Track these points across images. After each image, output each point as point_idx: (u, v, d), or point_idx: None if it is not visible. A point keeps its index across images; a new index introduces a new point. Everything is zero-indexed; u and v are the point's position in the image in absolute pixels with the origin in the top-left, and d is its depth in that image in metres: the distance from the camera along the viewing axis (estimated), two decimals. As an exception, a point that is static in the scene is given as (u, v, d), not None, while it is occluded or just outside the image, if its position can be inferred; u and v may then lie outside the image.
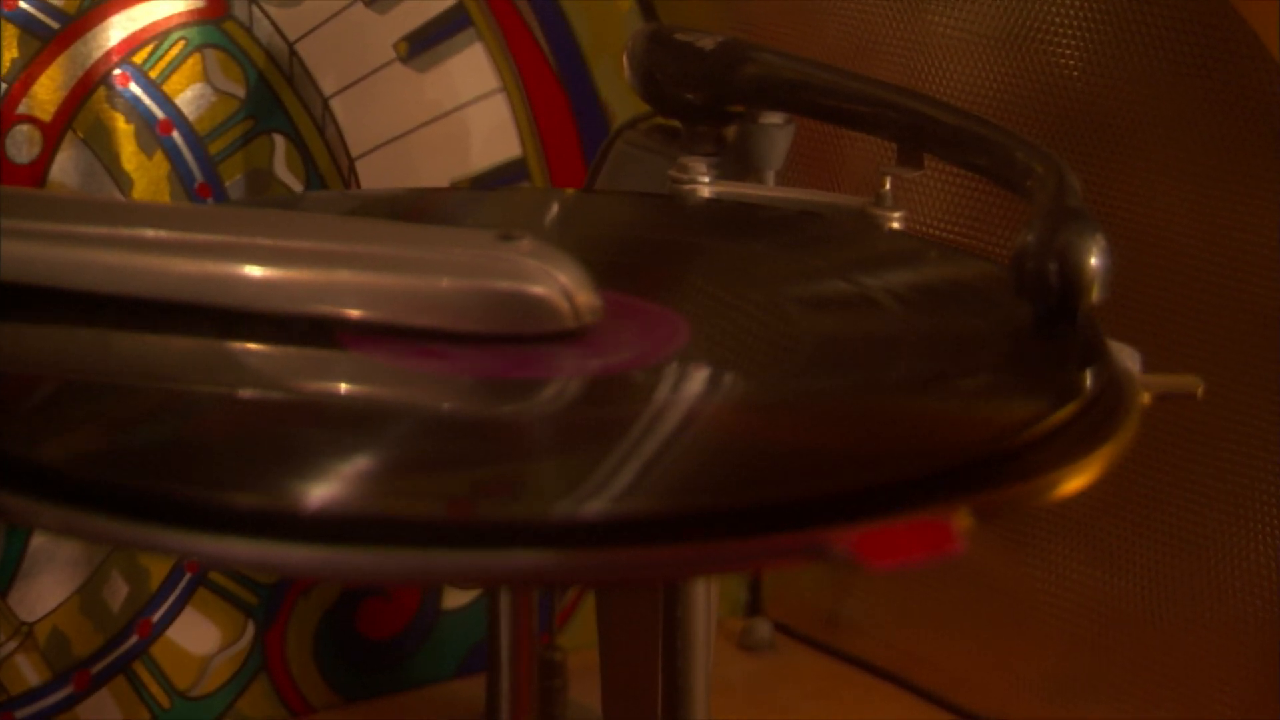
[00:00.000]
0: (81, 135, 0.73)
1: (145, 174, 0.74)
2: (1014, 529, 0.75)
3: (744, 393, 0.48)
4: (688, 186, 0.63)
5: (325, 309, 0.49)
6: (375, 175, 0.79)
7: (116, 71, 0.73)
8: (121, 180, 0.74)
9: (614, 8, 0.83)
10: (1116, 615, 0.72)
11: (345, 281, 0.49)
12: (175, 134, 0.75)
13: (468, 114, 0.81)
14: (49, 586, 0.73)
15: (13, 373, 0.47)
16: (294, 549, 0.39)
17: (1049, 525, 0.74)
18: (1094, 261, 0.50)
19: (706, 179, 0.63)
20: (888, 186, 0.61)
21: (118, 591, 0.75)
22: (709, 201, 0.62)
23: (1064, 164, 0.55)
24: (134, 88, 0.74)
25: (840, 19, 0.77)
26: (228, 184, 0.76)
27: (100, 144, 0.73)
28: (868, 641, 0.83)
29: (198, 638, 0.77)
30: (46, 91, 0.72)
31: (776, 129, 0.67)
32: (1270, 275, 0.65)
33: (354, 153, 0.79)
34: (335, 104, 0.78)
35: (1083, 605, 0.73)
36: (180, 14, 0.74)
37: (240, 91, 0.76)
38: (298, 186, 0.77)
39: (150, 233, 0.50)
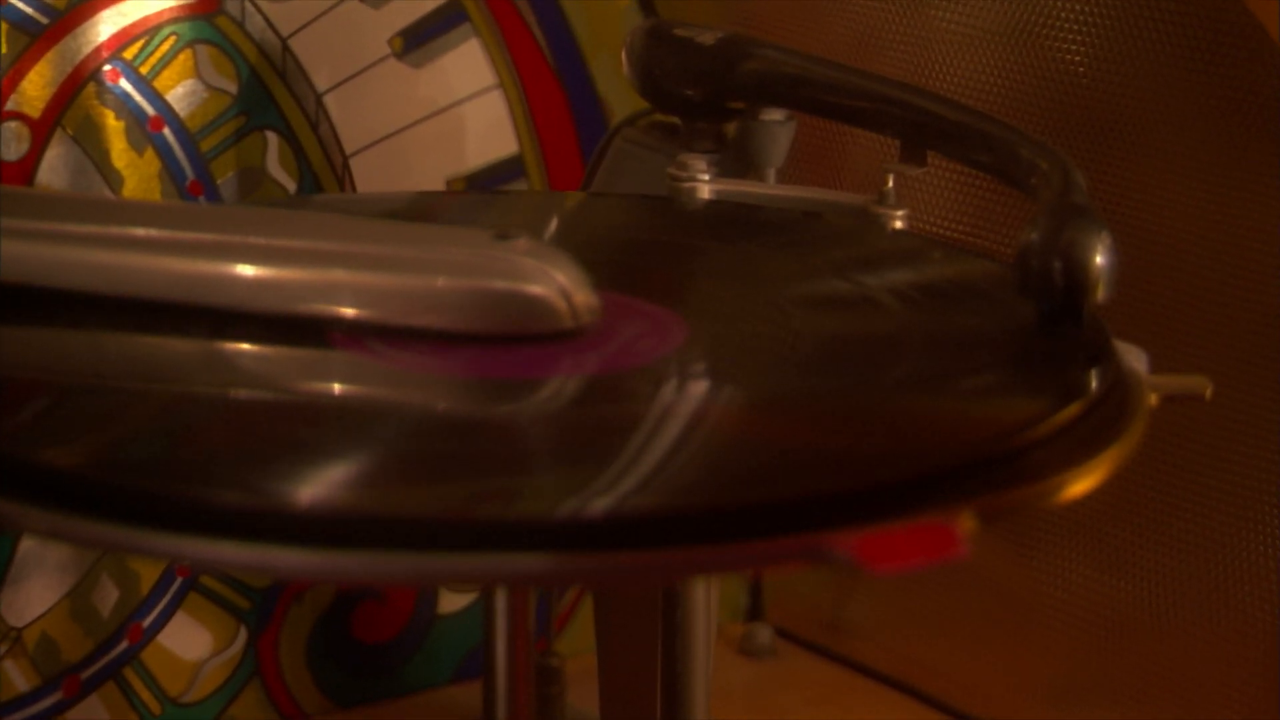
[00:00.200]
0: (71, 132, 0.72)
1: (136, 171, 0.74)
2: (1019, 532, 0.75)
3: (744, 393, 0.48)
4: (687, 184, 0.63)
5: (320, 308, 0.49)
6: (369, 173, 0.79)
7: (106, 67, 0.73)
8: (111, 178, 0.73)
9: (612, 3, 0.83)
10: (1122, 619, 0.72)
11: (340, 281, 0.49)
12: (166, 131, 0.74)
13: (464, 111, 0.81)
14: (38, 591, 0.73)
15: (-2, 373, 0.47)
16: (286, 551, 0.39)
17: (1054, 528, 0.74)
18: (1099, 260, 0.50)
19: (706, 177, 0.63)
20: (890, 184, 0.61)
21: (108, 596, 0.75)
22: (709, 202, 0.62)
23: (1069, 161, 0.54)
24: (124, 84, 0.73)
25: (842, 13, 0.78)
26: (219, 182, 0.76)
27: (90, 141, 0.73)
28: (870, 647, 0.83)
29: (189, 643, 0.77)
30: (35, 88, 0.71)
31: (777, 126, 0.67)
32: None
33: (348, 150, 0.79)
34: (329, 100, 0.78)
35: (1088, 609, 0.73)
36: (171, 9, 0.74)
37: (232, 88, 0.76)
38: (290, 184, 0.77)
39: (141, 231, 0.50)
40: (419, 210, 0.65)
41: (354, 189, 0.79)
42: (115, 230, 0.50)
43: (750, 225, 0.61)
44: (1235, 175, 0.66)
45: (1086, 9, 0.70)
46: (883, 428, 0.46)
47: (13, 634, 0.73)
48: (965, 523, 0.40)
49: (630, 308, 0.52)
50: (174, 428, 0.45)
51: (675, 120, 0.68)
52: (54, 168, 0.72)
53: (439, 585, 0.79)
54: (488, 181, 0.82)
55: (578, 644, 0.81)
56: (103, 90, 0.73)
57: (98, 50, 0.72)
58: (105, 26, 0.73)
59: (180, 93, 0.74)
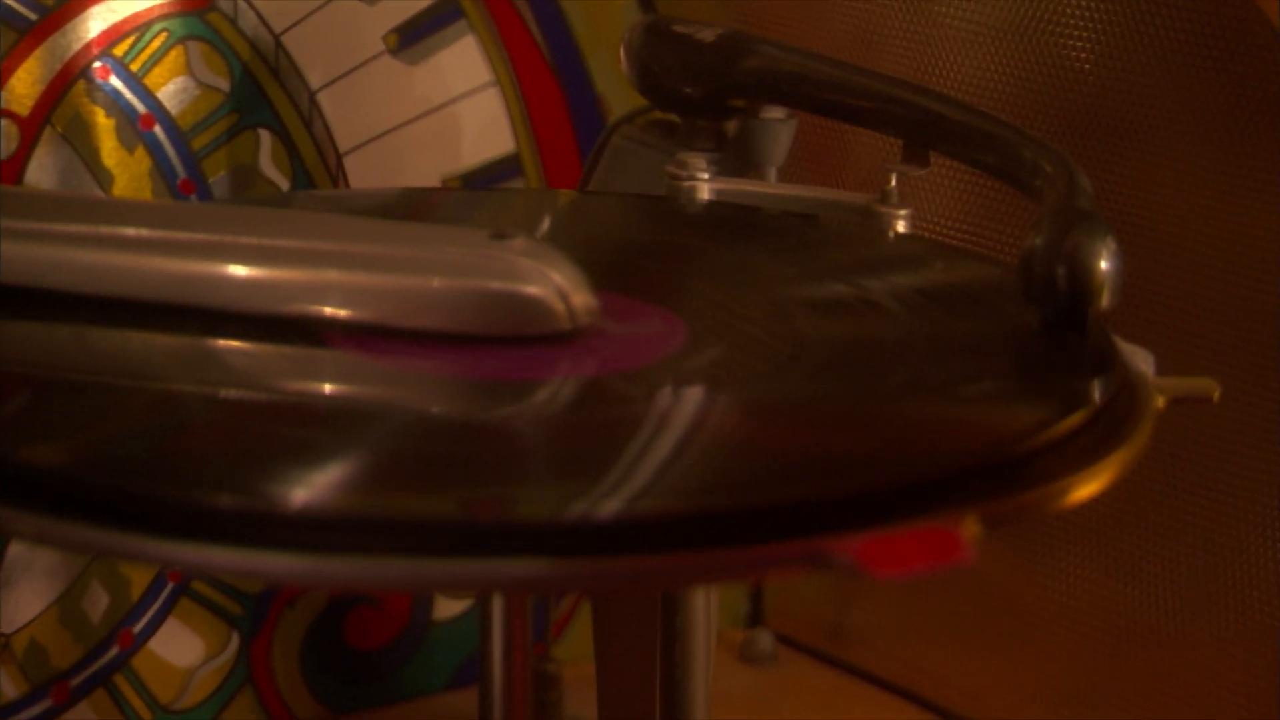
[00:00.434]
0: (60, 130, 0.72)
1: (126, 170, 0.74)
2: (1022, 537, 0.75)
3: (745, 396, 0.48)
4: (686, 183, 0.63)
5: (314, 309, 0.49)
6: (364, 171, 0.79)
7: (96, 64, 0.73)
8: (102, 177, 0.73)
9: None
10: (1127, 625, 0.72)
11: (334, 281, 0.49)
12: (157, 129, 0.75)
13: (460, 108, 0.81)
14: (27, 597, 0.73)
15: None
16: (279, 556, 0.39)
17: (1058, 533, 0.74)
18: (1104, 265, 0.49)
19: (706, 175, 0.63)
20: (893, 184, 0.61)
21: (98, 601, 0.75)
22: (709, 202, 0.62)
23: (1073, 162, 0.54)
24: (115, 81, 0.73)
25: (844, 11, 0.78)
26: (212, 180, 0.76)
27: (80, 139, 0.73)
28: (872, 653, 0.83)
29: (181, 649, 0.77)
30: (24, 85, 0.71)
31: (778, 124, 0.67)
32: (1288, 275, 0.66)
33: (342, 148, 0.79)
34: (323, 98, 0.78)
35: (1093, 615, 0.73)
36: (162, 5, 0.74)
37: (224, 85, 0.76)
38: (284, 183, 0.78)
39: (132, 231, 0.50)
40: (415, 207, 0.65)
41: (348, 187, 0.79)
42: (106, 230, 0.50)
43: (750, 226, 0.61)
44: (1243, 174, 0.66)
45: (1092, 5, 0.70)
46: (886, 432, 0.46)
47: (1, 640, 0.73)
48: (969, 527, 0.40)
49: (629, 309, 0.51)
50: (164, 428, 0.45)
51: (674, 118, 0.68)
52: (43, 166, 0.72)
53: (433, 591, 0.79)
54: (484, 180, 0.82)
55: (576, 649, 0.81)
56: (93, 87, 0.73)
57: (88, 47, 0.72)
58: (95, 23, 0.73)
59: (171, 90, 0.74)
